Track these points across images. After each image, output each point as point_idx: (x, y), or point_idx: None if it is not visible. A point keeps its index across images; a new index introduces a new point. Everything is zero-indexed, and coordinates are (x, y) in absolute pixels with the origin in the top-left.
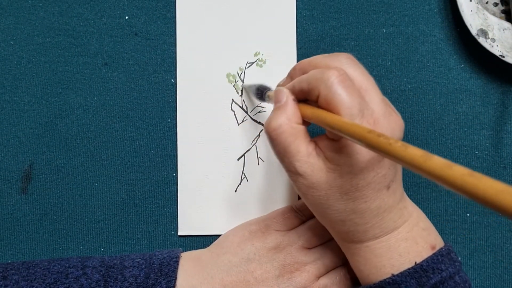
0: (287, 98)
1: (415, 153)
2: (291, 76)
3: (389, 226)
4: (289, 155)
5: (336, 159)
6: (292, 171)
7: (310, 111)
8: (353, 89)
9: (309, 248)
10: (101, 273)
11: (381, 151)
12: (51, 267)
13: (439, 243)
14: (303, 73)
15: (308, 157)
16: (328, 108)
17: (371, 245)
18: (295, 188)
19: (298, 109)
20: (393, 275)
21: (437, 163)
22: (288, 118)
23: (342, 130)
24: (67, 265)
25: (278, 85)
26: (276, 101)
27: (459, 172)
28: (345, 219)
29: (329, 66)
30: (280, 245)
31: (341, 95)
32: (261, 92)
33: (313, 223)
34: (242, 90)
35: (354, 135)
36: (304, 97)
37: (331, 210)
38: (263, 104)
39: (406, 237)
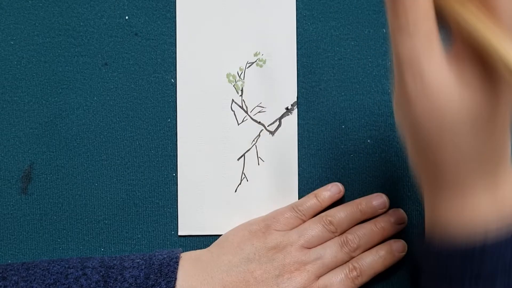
0: None
1: None
2: None
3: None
4: (419, 54)
5: (482, 79)
6: (415, 72)
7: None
8: None
9: (309, 248)
10: (101, 273)
11: None
12: (51, 267)
13: None
14: None
15: (441, 63)
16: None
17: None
18: (397, 112)
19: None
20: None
21: None
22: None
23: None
24: (66, 265)
25: None
26: None
27: None
28: (462, 160)
29: None
30: (280, 244)
31: None
32: None
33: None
34: (242, 90)
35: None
36: None
37: (450, 147)
38: (264, 104)
39: None
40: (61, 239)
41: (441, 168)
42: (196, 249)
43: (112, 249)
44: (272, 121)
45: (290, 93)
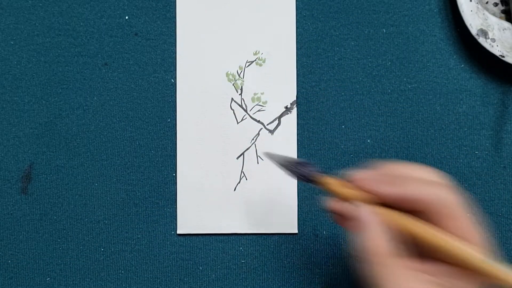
0: (375, 216)
1: None
2: (374, 173)
3: None
4: (389, 277)
5: (450, 284)
6: None
7: (420, 230)
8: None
9: None
10: None
11: None
12: None
13: None
14: (388, 176)
15: (413, 279)
16: (449, 230)
17: None
18: None
19: (394, 225)
20: None
21: None
22: (385, 238)
23: (483, 269)
24: None
25: (359, 178)
26: (366, 219)
27: None
28: None
29: (427, 179)
30: None
31: (469, 220)
32: (305, 175)
33: None
34: (241, 89)
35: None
36: (396, 204)
37: None
38: (263, 103)
39: None
40: (61, 239)
41: None
42: (194, 248)
43: (112, 249)
44: (271, 120)
45: (289, 92)
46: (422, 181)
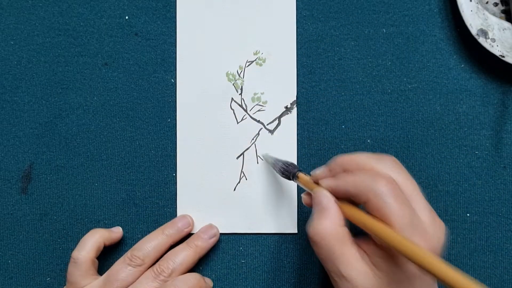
0: (329, 201)
1: None
2: (329, 168)
3: None
4: (334, 257)
5: (384, 267)
6: (336, 274)
7: (357, 215)
8: (404, 200)
9: None
10: None
11: (444, 281)
12: None
13: None
14: (344, 169)
15: (353, 260)
16: (377, 216)
17: None
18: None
19: (341, 212)
20: None
21: None
22: (332, 222)
23: (396, 247)
24: None
25: (315, 175)
26: (318, 203)
27: None
28: None
29: (374, 169)
30: None
31: (393, 207)
32: (288, 172)
33: None
34: (241, 89)
35: (412, 257)
36: (347, 198)
37: None
38: (263, 103)
39: None
40: (61, 239)
41: None
42: None
43: (112, 249)
44: (271, 120)
45: (289, 92)
46: (361, 174)
